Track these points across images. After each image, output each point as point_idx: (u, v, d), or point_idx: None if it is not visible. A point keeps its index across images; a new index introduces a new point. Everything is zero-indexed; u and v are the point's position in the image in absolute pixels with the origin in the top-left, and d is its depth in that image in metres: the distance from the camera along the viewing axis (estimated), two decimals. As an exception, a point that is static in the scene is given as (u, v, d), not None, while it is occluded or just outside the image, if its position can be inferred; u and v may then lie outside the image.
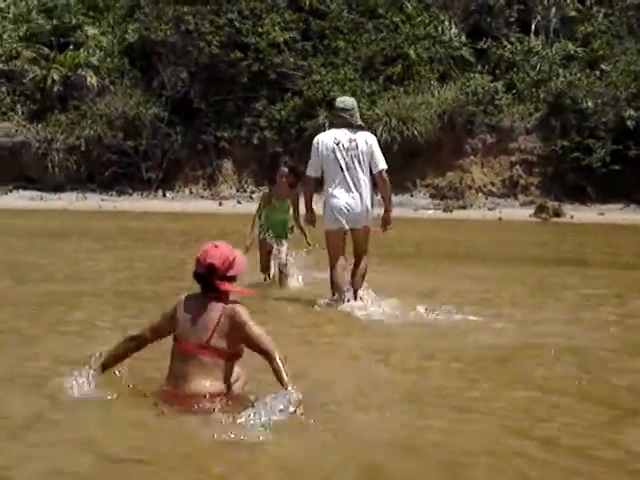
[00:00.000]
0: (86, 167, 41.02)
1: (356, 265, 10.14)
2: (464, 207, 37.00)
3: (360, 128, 10.19)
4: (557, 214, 33.86)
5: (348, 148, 9.98)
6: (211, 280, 5.45)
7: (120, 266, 13.89)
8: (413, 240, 21.45)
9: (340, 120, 10.11)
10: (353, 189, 9.97)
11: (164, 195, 40.77)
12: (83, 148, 40.46)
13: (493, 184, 39.09)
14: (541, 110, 39.07)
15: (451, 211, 36.07)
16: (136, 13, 43.74)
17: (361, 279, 10.08)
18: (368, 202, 10.01)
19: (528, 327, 8.65)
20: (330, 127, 10.50)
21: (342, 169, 9.96)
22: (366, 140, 10.02)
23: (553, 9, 42.69)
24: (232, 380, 5.54)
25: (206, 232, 18.60)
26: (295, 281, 11.58)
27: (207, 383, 5.34)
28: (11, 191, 40.43)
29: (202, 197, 40.41)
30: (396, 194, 36.47)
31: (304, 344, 7.67)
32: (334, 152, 9.96)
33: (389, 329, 8.54)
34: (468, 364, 6.85)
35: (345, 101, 10.40)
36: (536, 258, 17.63)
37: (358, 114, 10.28)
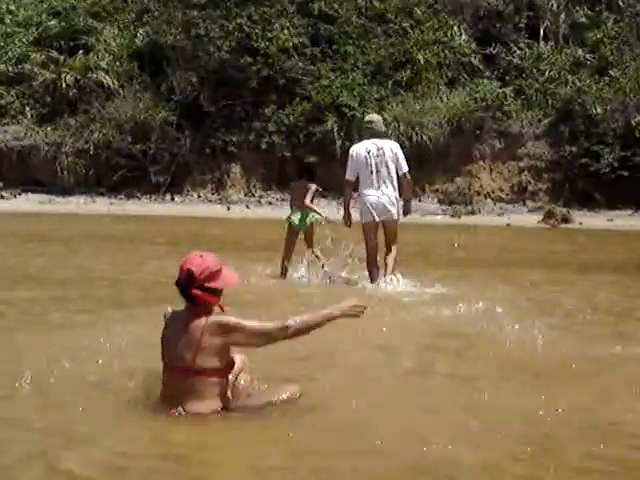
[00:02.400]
0: (95, 171, 41.02)
1: (388, 252, 12.30)
2: (472, 213, 36.96)
3: (385, 137, 12.76)
4: (566, 220, 33.76)
5: (377, 155, 12.30)
6: (188, 289, 5.37)
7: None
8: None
9: (367, 132, 12.63)
10: (381, 188, 12.28)
11: (172, 199, 40.75)
12: (92, 152, 40.45)
13: (501, 190, 39.08)
14: (550, 116, 39.05)
15: (459, 217, 36.02)
16: (145, 17, 43.80)
17: (392, 262, 12.17)
18: (393, 198, 12.32)
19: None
20: (361, 139, 12.84)
21: (372, 172, 12.27)
22: (391, 148, 12.42)
23: (562, 15, 42.66)
24: (236, 372, 5.54)
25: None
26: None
27: (201, 405, 5.29)
28: (20, 194, 40.45)
29: (210, 201, 40.39)
30: (404, 199, 36.39)
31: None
32: (366, 159, 12.30)
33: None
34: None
35: (370, 116, 13.49)
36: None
37: (382, 124, 12.93)
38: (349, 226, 12.63)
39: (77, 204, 38.41)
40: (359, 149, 12.43)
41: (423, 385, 6.62)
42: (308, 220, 13.15)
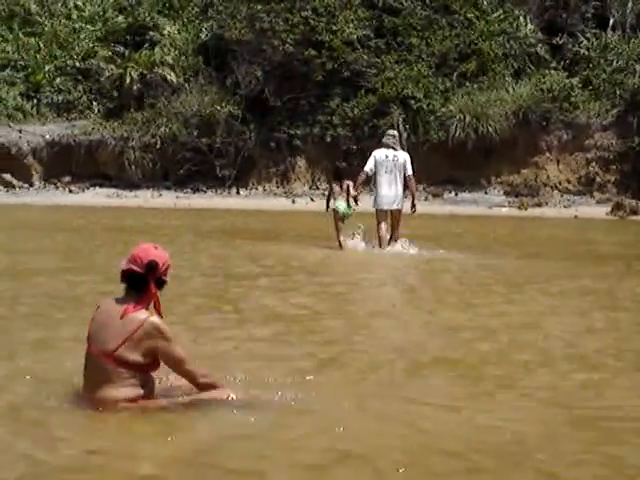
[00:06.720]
0: (161, 165, 41.36)
1: (393, 232, 16.82)
2: (539, 204, 36.59)
3: (399, 149, 17.05)
4: (634, 212, 33.33)
5: (391, 160, 16.79)
6: (146, 279, 5.27)
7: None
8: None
9: (388, 142, 16.92)
10: (392, 184, 16.77)
11: (238, 192, 40.93)
12: (158, 146, 40.79)
13: (569, 181, 38.65)
14: (618, 106, 38.52)
15: (526, 208, 35.71)
16: (210, 11, 44.00)
17: (395, 240, 16.69)
18: (400, 193, 16.83)
19: None
20: (380, 146, 17.08)
21: (386, 172, 16.77)
22: (403, 157, 16.95)
23: (629, 4, 42.07)
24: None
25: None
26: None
27: (113, 391, 5.25)
28: (88, 188, 40.94)
29: (275, 195, 40.49)
30: (470, 191, 36.57)
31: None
32: (383, 161, 16.80)
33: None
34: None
35: (392, 131, 18.03)
36: None
37: (398, 141, 17.37)
38: (356, 199, 17.12)
39: (144, 198, 38.77)
40: (380, 153, 16.90)
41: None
42: (349, 209, 17.17)
